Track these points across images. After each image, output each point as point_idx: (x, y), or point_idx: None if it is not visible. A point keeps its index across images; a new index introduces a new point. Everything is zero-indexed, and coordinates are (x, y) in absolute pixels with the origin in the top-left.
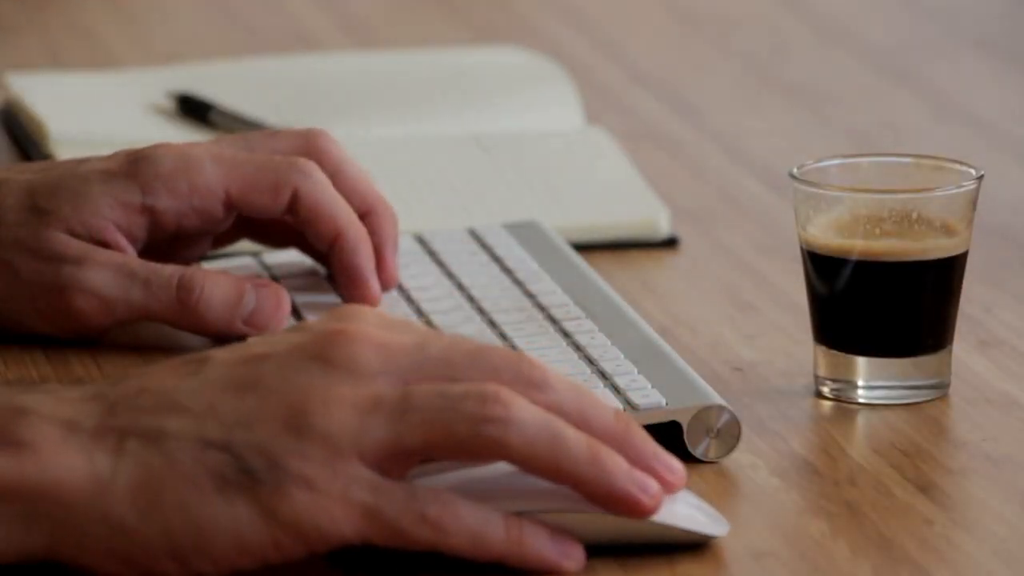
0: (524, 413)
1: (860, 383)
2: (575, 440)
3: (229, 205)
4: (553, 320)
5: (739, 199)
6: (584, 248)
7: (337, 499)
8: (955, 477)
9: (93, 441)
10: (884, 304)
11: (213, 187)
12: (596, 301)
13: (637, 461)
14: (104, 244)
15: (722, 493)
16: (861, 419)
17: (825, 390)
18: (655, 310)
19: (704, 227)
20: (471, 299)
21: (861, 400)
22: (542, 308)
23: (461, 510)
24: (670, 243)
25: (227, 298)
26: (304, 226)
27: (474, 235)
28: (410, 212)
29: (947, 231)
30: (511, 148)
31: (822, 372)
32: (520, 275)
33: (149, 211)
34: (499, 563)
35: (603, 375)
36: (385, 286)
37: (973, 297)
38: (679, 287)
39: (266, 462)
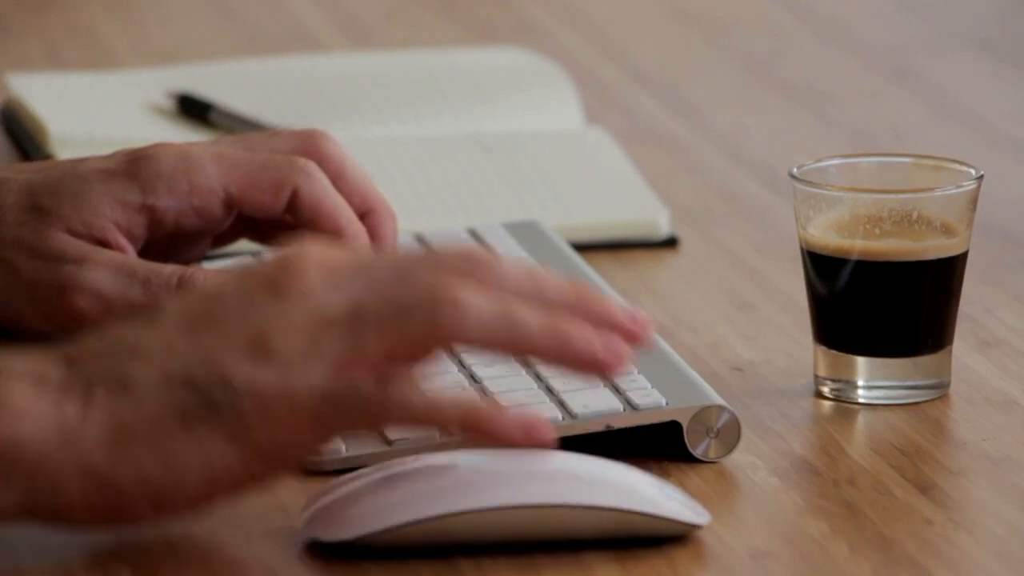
0: (475, 298)
1: (860, 383)
2: (530, 315)
3: (229, 204)
4: None
5: (739, 199)
6: (584, 248)
7: (300, 416)
8: (955, 477)
9: (61, 393)
10: (884, 304)
11: (213, 186)
12: None
13: (599, 322)
14: (104, 244)
15: (722, 493)
16: (861, 419)
17: (825, 390)
18: (655, 310)
19: (704, 227)
20: None
21: (861, 400)
22: None
23: (417, 394)
24: (670, 243)
25: None
26: (304, 225)
27: (474, 235)
28: (410, 212)
29: (947, 231)
30: (511, 148)
31: (822, 372)
32: None
33: (149, 210)
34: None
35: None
36: None
37: (973, 297)
38: (679, 287)
39: (227, 391)
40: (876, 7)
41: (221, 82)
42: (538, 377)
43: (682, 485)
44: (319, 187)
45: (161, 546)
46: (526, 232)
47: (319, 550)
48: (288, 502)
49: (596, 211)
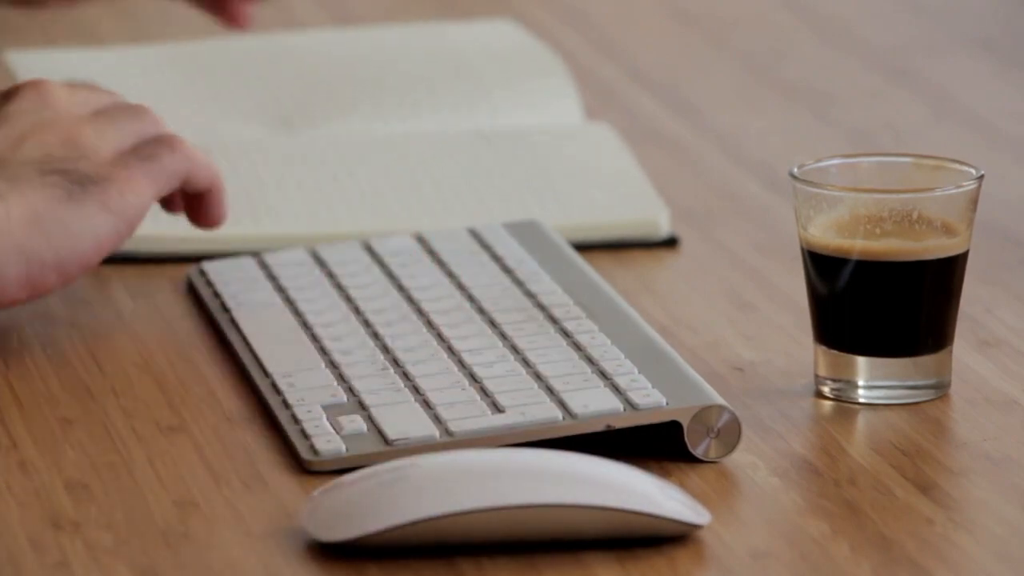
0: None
1: (860, 383)
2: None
3: None
4: (553, 320)
5: (739, 199)
6: (584, 248)
7: (131, 178)
8: (955, 477)
9: None
10: (884, 304)
11: None
12: (596, 301)
13: None
14: None
15: (722, 493)
16: (861, 419)
17: (825, 390)
18: (655, 310)
19: (704, 227)
20: (471, 299)
21: (861, 400)
22: (542, 308)
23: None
24: (670, 243)
25: None
26: None
27: (474, 235)
28: (410, 211)
29: (947, 231)
30: (512, 146)
31: (822, 372)
32: (520, 275)
33: None
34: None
35: (603, 375)
36: None
37: (973, 297)
38: (679, 287)
39: (82, 175)
40: (876, 7)
41: (219, 64)
42: (538, 377)
43: (682, 485)
44: None
45: (161, 546)
46: (526, 232)
47: (319, 550)
48: (288, 502)
49: (596, 211)
